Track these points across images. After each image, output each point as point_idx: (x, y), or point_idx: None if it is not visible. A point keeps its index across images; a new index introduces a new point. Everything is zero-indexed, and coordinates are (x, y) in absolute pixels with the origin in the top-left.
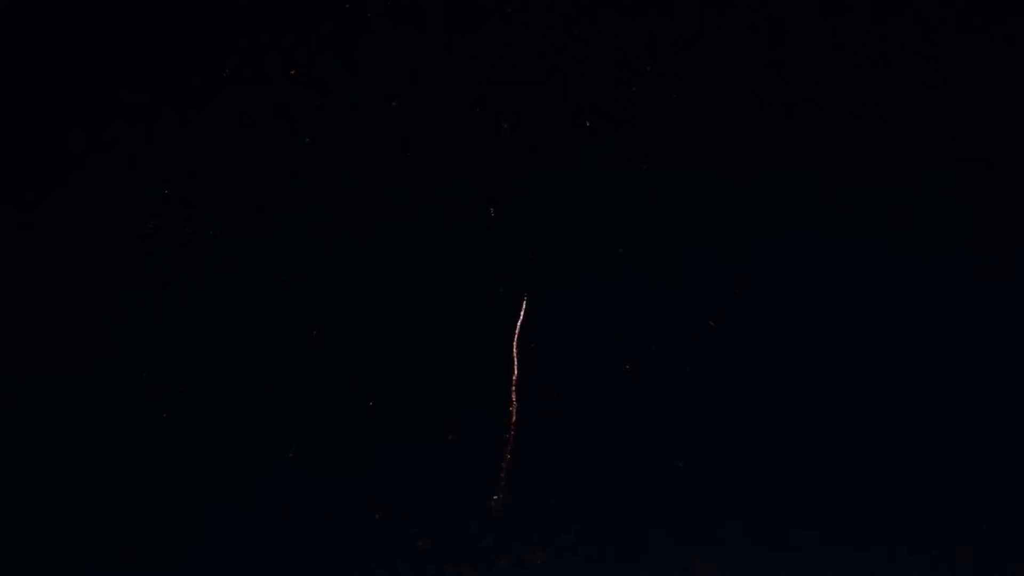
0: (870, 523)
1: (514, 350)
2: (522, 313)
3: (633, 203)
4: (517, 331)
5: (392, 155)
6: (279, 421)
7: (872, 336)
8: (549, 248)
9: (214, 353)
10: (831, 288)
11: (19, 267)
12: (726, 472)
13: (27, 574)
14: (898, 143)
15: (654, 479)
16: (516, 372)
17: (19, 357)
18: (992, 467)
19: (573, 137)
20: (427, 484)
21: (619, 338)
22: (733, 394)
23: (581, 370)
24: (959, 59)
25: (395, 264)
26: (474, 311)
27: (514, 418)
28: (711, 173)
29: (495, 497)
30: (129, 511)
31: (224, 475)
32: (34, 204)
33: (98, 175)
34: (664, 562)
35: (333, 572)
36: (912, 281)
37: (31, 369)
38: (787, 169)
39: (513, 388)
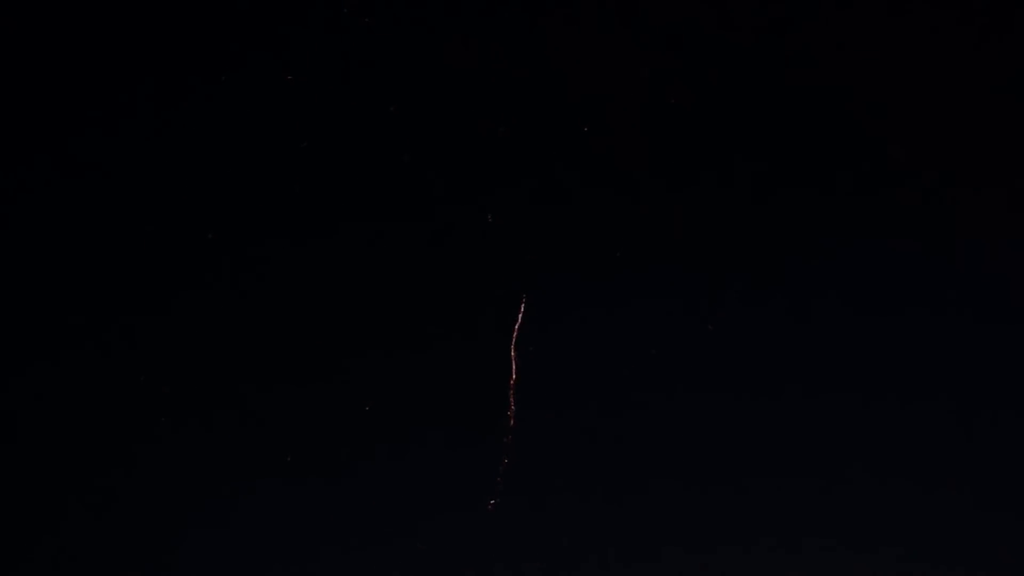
0: (870, 523)
1: (512, 353)
2: (520, 316)
3: (633, 205)
4: (515, 334)
5: (389, 158)
6: (277, 423)
7: (872, 337)
8: (548, 250)
9: (212, 355)
10: (830, 290)
11: (17, 268)
12: (725, 473)
13: (26, 574)
14: (898, 143)
15: (653, 481)
16: (515, 375)
17: (18, 358)
18: (992, 467)
19: (573, 139)
20: (425, 487)
21: (618, 341)
22: (733, 396)
23: (579, 373)
24: (959, 60)
25: (394, 267)
26: (473, 314)
27: (512, 422)
28: (709, 174)
29: (492, 502)
30: (129, 511)
31: (222, 477)
32: (31, 207)
33: (96, 179)
34: (663, 563)
35: (331, 573)
36: (914, 282)
37: (28, 370)
38: (785, 169)
39: (511, 391)
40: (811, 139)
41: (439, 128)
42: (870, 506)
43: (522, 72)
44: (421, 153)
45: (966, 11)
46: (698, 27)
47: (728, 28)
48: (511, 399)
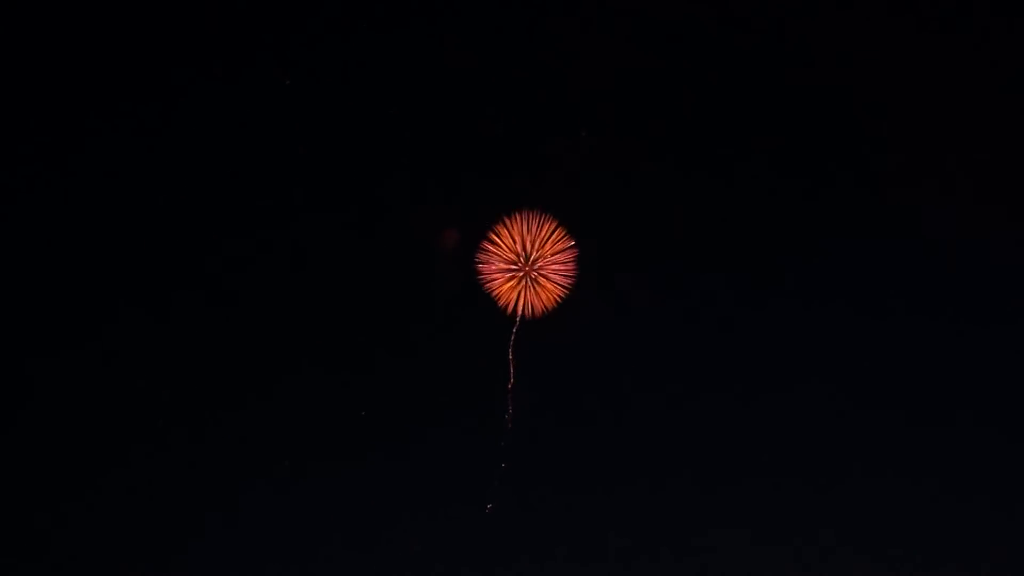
0: (869, 522)
1: (510, 356)
2: (518, 320)
3: (629, 208)
4: (513, 338)
5: (388, 161)
6: (277, 427)
7: (870, 338)
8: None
9: (209, 358)
10: (828, 292)
11: (17, 270)
12: (725, 475)
13: (27, 573)
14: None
15: (651, 484)
16: (512, 379)
17: (19, 360)
18: (993, 469)
19: (574, 142)
20: (423, 489)
21: (616, 344)
22: (733, 399)
23: (577, 377)
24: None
25: (393, 270)
26: (470, 318)
27: (510, 425)
28: (708, 176)
29: (489, 505)
30: (127, 512)
31: (220, 480)
32: (30, 210)
33: (90, 185)
34: (662, 563)
35: (331, 573)
36: (917, 286)
37: (29, 371)
38: (782, 169)
39: (509, 395)
40: (809, 139)
41: (437, 131)
42: (870, 506)
43: (523, 72)
44: (420, 157)
45: (967, 12)
46: (700, 28)
47: (729, 29)
48: (509, 403)
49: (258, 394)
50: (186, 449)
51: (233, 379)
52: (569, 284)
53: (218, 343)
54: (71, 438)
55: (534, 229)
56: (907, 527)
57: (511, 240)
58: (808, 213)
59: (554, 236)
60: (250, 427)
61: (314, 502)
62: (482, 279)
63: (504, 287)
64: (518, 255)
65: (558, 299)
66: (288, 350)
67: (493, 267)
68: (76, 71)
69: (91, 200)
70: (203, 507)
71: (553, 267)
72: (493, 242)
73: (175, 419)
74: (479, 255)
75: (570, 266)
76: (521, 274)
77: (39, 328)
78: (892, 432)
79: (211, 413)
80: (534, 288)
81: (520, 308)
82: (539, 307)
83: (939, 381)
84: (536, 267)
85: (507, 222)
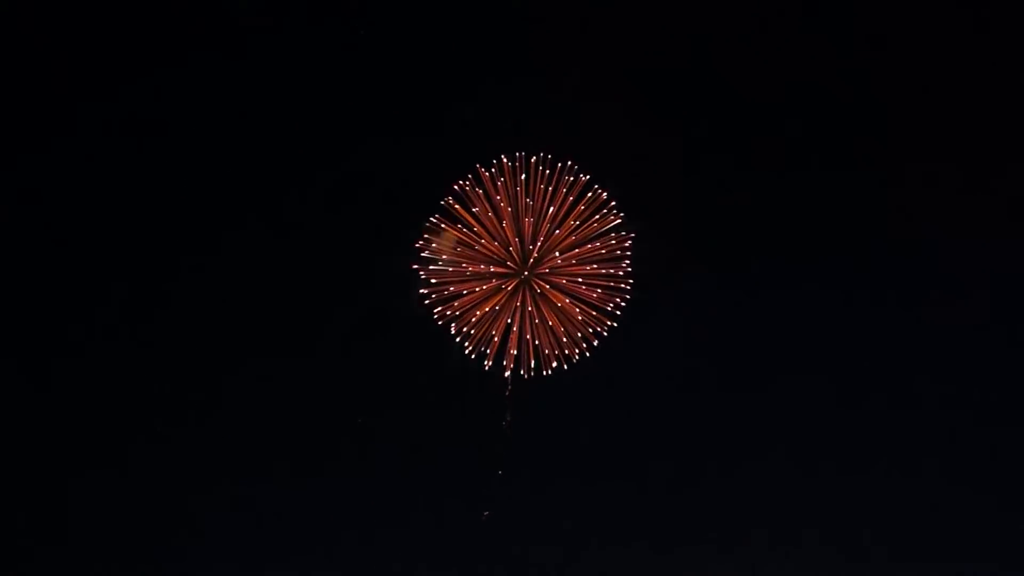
0: (871, 522)
1: (508, 359)
2: (516, 325)
3: (629, 213)
4: (512, 342)
5: (387, 161)
6: (275, 427)
7: (875, 340)
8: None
9: (209, 359)
10: (837, 293)
11: (15, 271)
12: (724, 476)
13: (26, 573)
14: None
15: (651, 487)
16: (510, 383)
17: (19, 360)
18: (993, 468)
19: (569, 144)
20: (421, 492)
21: (615, 346)
22: (732, 401)
23: (575, 380)
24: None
25: (392, 270)
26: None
27: (508, 431)
28: (707, 178)
29: (485, 512)
30: (126, 512)
31: (220, 480)
32: (26, 210)
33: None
34: (662, 566)
35: (328, 574)
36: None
37: (28, 373)
38: (780, 172)
39: (508, 397)
40: (810, 140)
41: (438, 136)
42: (870, 506)
43: (521, 73)
44: (419, 162)
45: (969, 13)
46: (702, 30)
47: (729, 30)
48: (507, 408)
49: (258, 396)
50: (185, 449)
51: (233, 380)
52: (614, 306)
53: (218, 344)
54: (71, 439)
55: (539, 197)
56: (907, 527)
57: (495, 217)
58: (808, 213)
59: (582, 206)
60: (250, 428)
61: (314, 502)
62: (426, 298)
63: (480, 313)
64: (508, 244)
65: (590, 340)
66: (288, 352)
67: (452, 271)
68: (68, 69)
69: (87, 201)
70: (203, 507)
71: (581, 272)
72: (458, 217)
73: (173, 419)
74: (421, 246)
75: (619, 268)
76: (516, 282)
77: (37, 329)
78: (893, 431)
79: (211, 414)
80: (536, 312)
81: (509, 358)
82: (550, 353)
83: (939, 381)
84: (544, 270)
85: (487, 178)
